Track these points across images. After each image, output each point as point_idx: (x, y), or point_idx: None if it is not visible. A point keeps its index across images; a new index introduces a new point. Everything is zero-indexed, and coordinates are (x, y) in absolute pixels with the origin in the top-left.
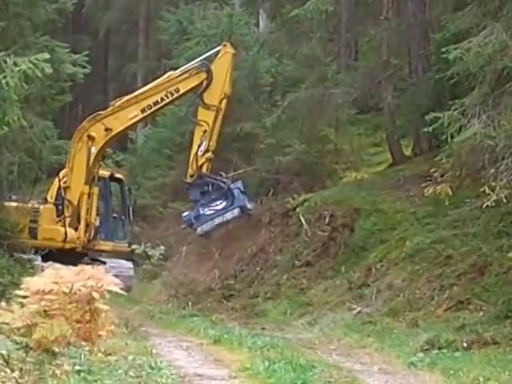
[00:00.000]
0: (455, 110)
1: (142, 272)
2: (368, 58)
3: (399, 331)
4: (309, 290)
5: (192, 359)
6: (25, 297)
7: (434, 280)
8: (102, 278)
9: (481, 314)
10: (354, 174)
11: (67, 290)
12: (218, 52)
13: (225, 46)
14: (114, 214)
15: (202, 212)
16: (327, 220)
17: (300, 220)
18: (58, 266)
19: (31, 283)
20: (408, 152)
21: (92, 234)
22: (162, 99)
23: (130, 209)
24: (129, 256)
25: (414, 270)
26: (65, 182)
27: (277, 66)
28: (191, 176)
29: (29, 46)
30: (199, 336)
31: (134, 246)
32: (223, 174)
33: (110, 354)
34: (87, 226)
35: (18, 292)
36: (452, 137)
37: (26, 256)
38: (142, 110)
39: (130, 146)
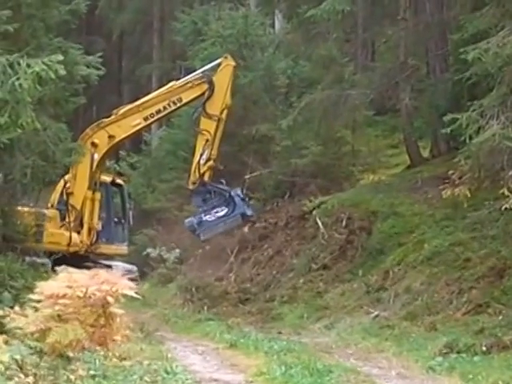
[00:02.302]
0: (473, 110)
1: (156, 275)
2: (385, 58)
3: (417, 335)
4: (326, 293)
5: (208, 364)
6: (39, 301)
7: (452, 283)
8: (116, 282)
9: (500, 317)
10: (371, 176)
11: (81, 294)
12: (219, 64)
13: (226, 58)
14: (115, 218)
15: (204, 219)
16: (344, 223)
17: (317, 223)
18: (71, 269)
19: (45, 287)
20: (426, 154)
21: (94, 238)
22: (165, 108)
23: (130, 213)
24: (128, 259)
25: (433, 273)
26: (68, 188)
27: (293, 67)
28: (193, 183)
29: (42, 48)
30: (215, 340)
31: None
32: (223, 182)
33: (125, 359)
34: (90, 230)
35: (31, 296)
36: (470, 138)
37: (39, 260)
38: (145, 119)
39: (145, 148)
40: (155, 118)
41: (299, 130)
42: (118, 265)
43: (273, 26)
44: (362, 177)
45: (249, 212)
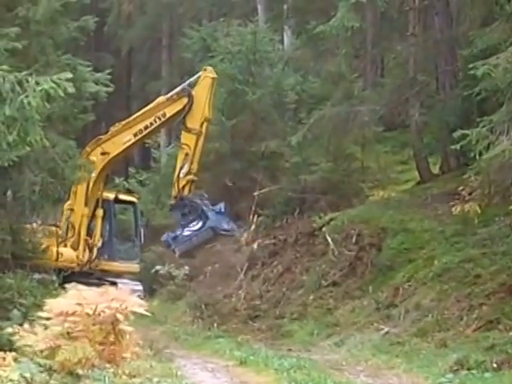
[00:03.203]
0: (483, 126)
1: (166, 292)
2: (394, 74)
3: (428, 352)
4: (336, 310)
5: (218, 381)
6: (48, 318)
7: (462, 300)
8: (126, 300)
9: (511, 333)
10: (380, 193)
11: (91, 312)
12: (199, 77)
13: (205, 70)
14: (124, 235)
15: (179, 233)
16: (354, 239)
17: (326, 239)
18: (81, 287)
19: (54, 305)
20: (436, 170)
21: (93, 255)
22: (152, 124)
23: (141, 230)
24: (137, 276)
25: (443, 289)
26: (70, 205)
27: (302, 83)
28: (174, 198)
29: (50, 65)
30: (225, 357)
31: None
32: (204, 196)
33: (134, 376)
34: (87, 246)
35: (41, 314)
36: (480, 154)
37: (48, 277)
38: (135, 135)
39: (154, 164)
40: (143, 133)
41: (309, 147)
42: (122, 282)
43: (282, 42)
44: (372, 193)
45: (224, 226)
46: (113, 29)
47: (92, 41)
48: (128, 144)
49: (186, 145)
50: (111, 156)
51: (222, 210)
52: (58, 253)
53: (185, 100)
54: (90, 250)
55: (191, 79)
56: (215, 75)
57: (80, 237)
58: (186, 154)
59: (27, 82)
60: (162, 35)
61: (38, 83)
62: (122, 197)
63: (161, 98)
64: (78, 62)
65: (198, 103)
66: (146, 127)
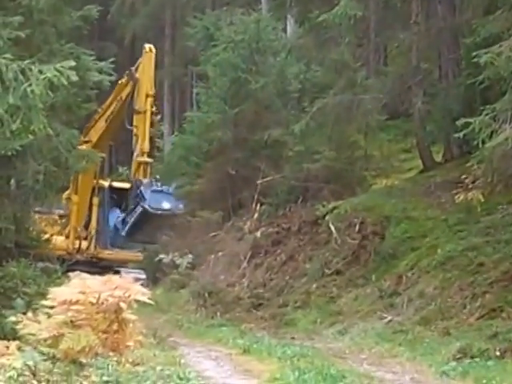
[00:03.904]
0: (486, 115)
1: (169, 281)
2: (397, 62)
3: (431, 340)
4: (339, 298)
5: (221, 369)
6: (51, 307)
7: (466, 288)
8: (129, 288)
9: None
10: (384, 181)
11: (94, 300)
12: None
13: (144, 49)
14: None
15: (126, 217)
16: (357, 228)
17: (329, 228)
18: (84, 275)
19: (58, 293)
20: (439, 158)
21: (87, 244)
22: (115, 107)
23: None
24: (141, 265)
25: (446, 277)
26: (67, 194)
27: (305, 71)
28: (130, 182)
29: (54, 54)
30: (228, 346)
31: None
32: (156, 178)
33: (138, 365)
34: (79, 235)
35: (44, 302)
36: (483, 142)
37: (52, 265)
38: (106, 120)
39: (157, 153)
40: (111, 118)
41: (312, 135)
42: (127, 271)
43: (285, 30)
44: (375, 181)
45: (164, 206)
46: (116, 18)
47: (95, 30)
48: (102, 130)
49: (136, 126)
50: (93, 143)
51: (169, 190)
52: (49, 241)
53: (131, 82)
54: (85, 239)
55: (138, 61)
56: (154, 49)
57: (72, 225)
58: (137, 136)
59: (30, 70)
60: (164, 24)
61: (41, 72)
62: (118, 185)
63: (120, 82)
64: (82, 51)
65: (141, 83)
66: (112, 112)
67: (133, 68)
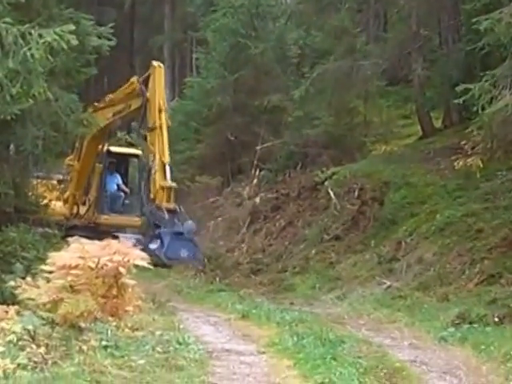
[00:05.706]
0: (486, 81)
1: None
2: (397, 28)
3: (429, 306)
4: (338, 264)
5: (220, 334)
6: (51, 272)
7: (464, 254)
8: (128, 253)
9: None
10: (383, 147)
11: (93, 265)
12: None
13: (152, 66)
14: (125, 189)
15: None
16: (356, 193)
17: (329, 193)
18: (83, 240)
19: (57, 258)
20: (438, 124)
21: (85, 209)
22: (122, 109)
23: (143, 184)
24: (141, 230)
25: (445, 243)
26: (70, 160)
27: (305, 37)
28: (152, 200)
29: (53, 18)
30: (227, 311)
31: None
32: (181, 209)
33: (137, 330)
34: (76, 200)
35: (43, 267)
36: (483, 108)
37: (51, 230)
38: (113, 114)
39: None
40: (117, 115)
41: (311, 101)
42: (126, 236)
43: None
44: (374, 147)
45: (181, 254)
46: None
47: None
48: (109, 121)
49: (152, 144)
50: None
51: (189, 233)
52: (47, 206)
53: (141, 100)
54: (84, 204)
55: (144, 76)
56: (162, 66)
57: (71, 191)
58: (153, 154)
59: (30, 34)
60: None
61: (41, 36)
62: (116, 149)
63: (133, 79)
64: (81, 15)
65: (152, 100)
66: (119, 111)
67: (143, 87)
